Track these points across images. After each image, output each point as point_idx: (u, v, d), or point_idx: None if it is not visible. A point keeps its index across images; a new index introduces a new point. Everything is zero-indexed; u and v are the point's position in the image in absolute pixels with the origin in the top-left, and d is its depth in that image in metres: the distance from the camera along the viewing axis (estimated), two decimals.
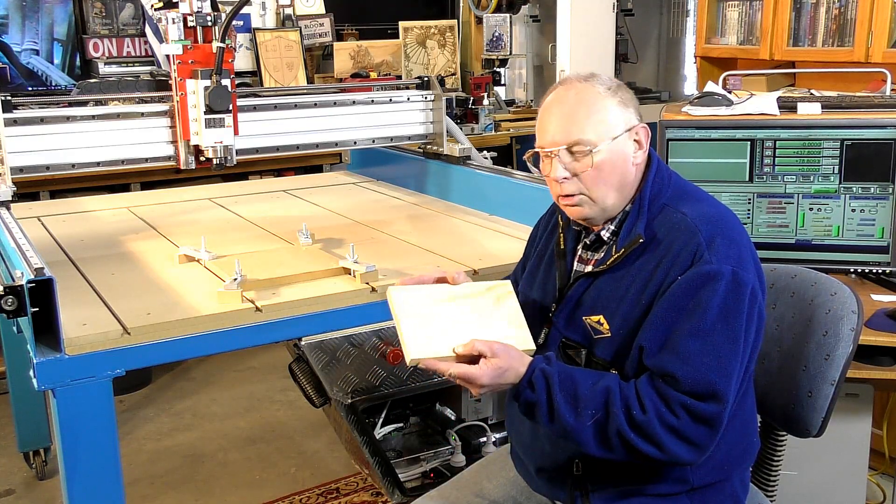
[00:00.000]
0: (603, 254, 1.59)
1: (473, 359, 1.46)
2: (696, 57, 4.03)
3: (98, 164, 2.48)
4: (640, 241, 1.51)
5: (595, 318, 1.54)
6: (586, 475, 1.58)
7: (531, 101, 5.55)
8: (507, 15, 5.10)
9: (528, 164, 1.63)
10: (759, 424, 1.75)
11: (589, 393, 1.44)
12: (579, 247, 1.65)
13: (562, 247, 1.67)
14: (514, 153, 4.75)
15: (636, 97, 1.59)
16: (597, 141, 1.51)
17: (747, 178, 2.40)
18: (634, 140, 1.55)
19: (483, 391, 1.48)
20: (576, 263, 1.65)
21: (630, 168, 1.55)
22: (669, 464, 1.48)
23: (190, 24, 2.35)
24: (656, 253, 1.50)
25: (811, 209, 2.38)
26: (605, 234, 1.59)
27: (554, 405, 1.44)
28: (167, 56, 2.42)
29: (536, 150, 1.59)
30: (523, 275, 1.78)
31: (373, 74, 4.67)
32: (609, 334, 1.52)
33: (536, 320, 1.67)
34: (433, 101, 2.98)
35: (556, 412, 1.44)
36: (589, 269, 1.61)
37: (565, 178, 1.53)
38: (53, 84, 4.21)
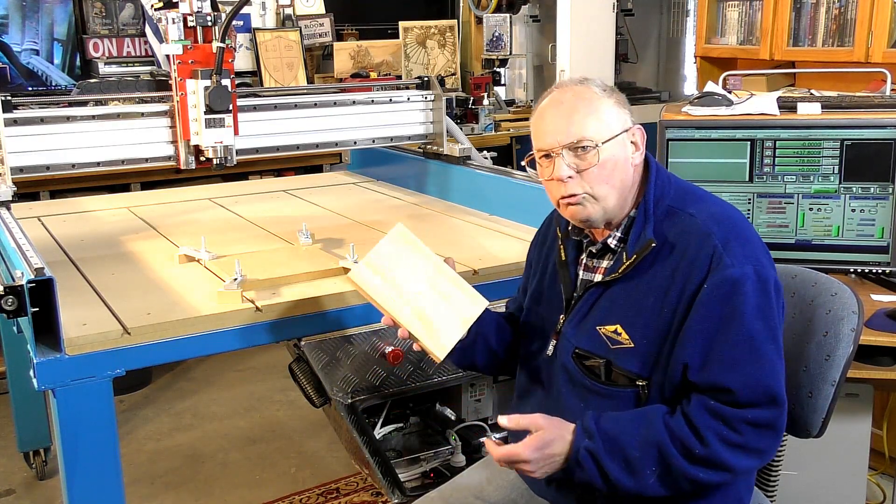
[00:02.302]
0: (612, 262, 1.58)
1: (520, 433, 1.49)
2: (696, 57, 4.03)
3: (98, 164, 2.48)
4: (653, 245, 1.50)
5: (611, 327, 1.53)
6: None
7: (531, 101, 5.55)
8: (507, 15, 5.10)
9: (528, 168, 1.62)
10: None
11: (640, 453, 1.44)
12: (583, 256, 1.64)
13: (563, 258, 1.66)
14: (514, 153, 4.75)
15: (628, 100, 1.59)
16: (599, 138, 1.51)
17: (747, 178, 2.40)
18: (631, 142, 1.55)
19: (535, 468, 1.48)
20: (581, 273, 1.64)
21: (629, 168, 1.55)
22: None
23: (190, 24, 2.35)
24: (671, 259, 1.49)
25: (811, 209, 2.38)
26: (611, 242, 1.58)
27: (610, 478, 1.45)
28: (167, 56, 2.42)
29: (537, 152, 1.57)
30: (527, 295, 1.77)
31: (373, 74, 4.67)
32: (632, 345, 1.50)
33: (545, 333, 1.67)
34: (433, 101, 2.98)
35: (613, 483, 1.45)
36: (598, 277, 1.59)
37: (570, 177, 1.52)
38: (53, 84, 4.21)
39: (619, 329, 1.52)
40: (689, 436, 1.43)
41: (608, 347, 1.53)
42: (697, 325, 1.45)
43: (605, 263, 1.60)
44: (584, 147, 1.51)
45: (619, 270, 1.53)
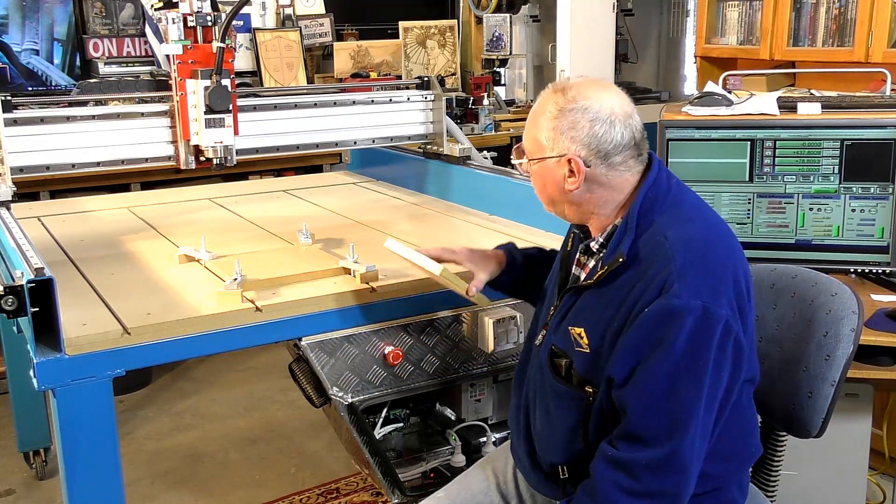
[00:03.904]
0: (594, 263, 1.59)
1: None
2: (696, 57, 4.03)
3: (98, 164, 2.48)
4: (621, 260, 1.48)
5: (578, 330, 1.53)
6: (573, 479, 1.58)
7: (531, 101, 5.55)
8: (507, 15, 5.10)
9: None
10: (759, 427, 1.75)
11: None
12: (578, 252, 1.66)
13: (568, 249, 1.68)
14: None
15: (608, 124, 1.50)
16: (531, 153, 1.58)
17: (747, 178, 2.41)
18: (569, 169, 1.52)
19: None
20: (574, 268, 1.65)
21: (562, 192, 1.55)
22: None
23: (190, 24, 2.35)
24: (634, 275, 1.47)
25: (811, 209, 2.38)
26: (594, 246, 1.59)
27: None
28: (167, 56, 2.41)
29: None
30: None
31: (373, 74, 4.67)
32: (588, 350, 1.51)
33: (542, 319, 1.69)
34: (433, 101, 2.98)
35: None
36: (583, 276, 1.61)
37: (527, 173, 1.63)
38: (53, 84, 4.21)
39: (583, 333, 1.52)
40: (586, 500, 1.45)
41: (573, 349, 1.54)
42: (629, 343, 1.43)
43: (591, 263, 1.61)
44: (522, 152, 1.60)
45: (594, 278, 1.53)
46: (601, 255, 1.56)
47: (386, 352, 1.99)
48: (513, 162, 1.65)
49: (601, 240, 1.57)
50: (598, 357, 1.49)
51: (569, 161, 1.50)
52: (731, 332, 1.42)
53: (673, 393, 1.39)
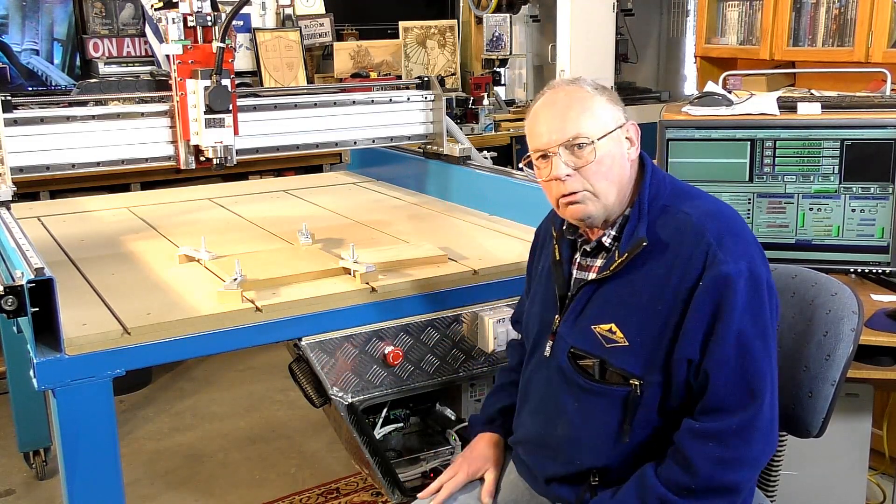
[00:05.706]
0: (605, 260, 1.58)
1: None
2: (696, 57, 4.03)
3: (98, 164, 2.48)
4: (644, 244, 1.50)
5: (605, 326, 1.53)
6: (602, 483, 1.57)
7: (531, 101, 5.54)
8: (507, 15, 5.10)
9: (525, 169, 1.64)
10: None
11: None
12: (577, 255, 1.64)
13: (557, 257, 1.66)
14: (514, 153, 4.75)
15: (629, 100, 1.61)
16: (594, 135, 1.52)
17: (747, 178, 2.40)
18: (626, 137, 1.56)
19: None
20: (575, 272, 1.64)
21: (626, 164, 1.56)
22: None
23: (190, 24, 2.35)
24: (665, 257, 1.49)
25: (811, 209, 2.38)
26: (606, 240, 1.58)
27: None
28: (167, 56, 2.42)
29: (534, 153, 1.57)
30: (528, 297, 1.78)
31: (373, 74, 4.67)
32: (626, 343, 1.50)
33: (542, 334, 1.66)
34: (433, 101, 2.98)
35: None
36: (592, 276, 1.59)
37: (568, 175, 1.52)
38: (53, 84, 4.21)
39: (614, 328, 1.52)
40: (681, 474, 1.44)
41: (603, 347, 1.53)
42: (693, 322, 1.45)
43: (598, 262, 1.60)
44: (580, 144, 1.51)
45: (611, 269, 1.53)
46: (614, 248, 1.57)
47: (386, 352, 1.99)
48: (563, 173, 1.51)
49: (613, 232, 1.57)
50: (642, 346, 1.49)
51: (627, 129, 1.55)
52: (773, 290, 1.50)
53: (745, 357, 1.44)
